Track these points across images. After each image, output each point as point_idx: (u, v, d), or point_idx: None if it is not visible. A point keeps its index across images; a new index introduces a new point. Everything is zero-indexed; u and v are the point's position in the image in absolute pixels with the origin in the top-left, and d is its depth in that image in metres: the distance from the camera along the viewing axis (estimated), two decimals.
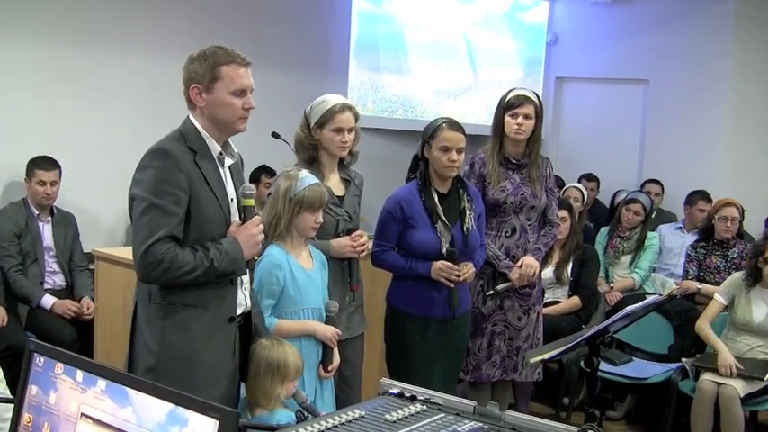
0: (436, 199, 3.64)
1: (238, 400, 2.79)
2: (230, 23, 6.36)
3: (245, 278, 2.76)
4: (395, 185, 3.79)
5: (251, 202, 2.68)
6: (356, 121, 3.61)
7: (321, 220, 3.22)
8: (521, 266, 4.04)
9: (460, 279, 3.60)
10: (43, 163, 4.96)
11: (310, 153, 3.57)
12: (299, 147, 3.61)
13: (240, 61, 2.63)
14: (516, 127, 4.02)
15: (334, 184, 3.61)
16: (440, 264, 3.60)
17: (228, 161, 2.72)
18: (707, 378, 4.52)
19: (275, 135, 4.90)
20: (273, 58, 6.71)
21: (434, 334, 3.67)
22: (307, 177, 3.19)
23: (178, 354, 2.57)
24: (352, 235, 3.53)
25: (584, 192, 6.33)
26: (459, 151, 3.60)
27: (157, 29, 6.01)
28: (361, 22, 7.46)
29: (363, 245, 3.54)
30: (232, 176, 2.73)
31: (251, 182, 6.05)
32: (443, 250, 3.57)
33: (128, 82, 5.85)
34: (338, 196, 3.60)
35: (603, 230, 6.24)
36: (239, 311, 2.73)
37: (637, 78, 7.88)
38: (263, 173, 6.17)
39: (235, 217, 2.70)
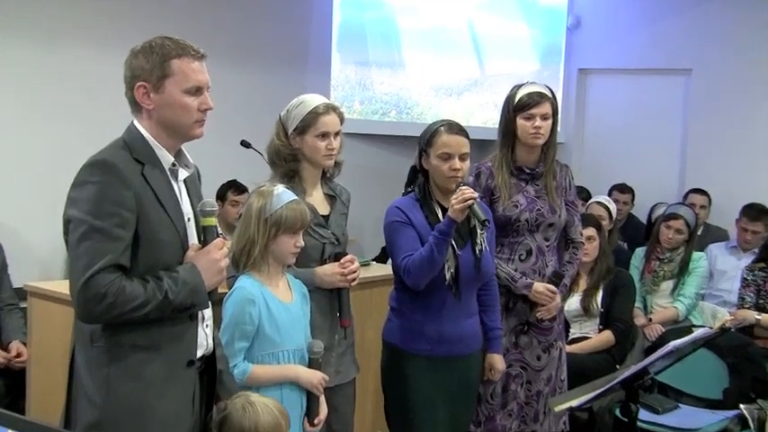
0: (440, 215, 3.66)
1: None
2: (185, 10, 6.38)
3: (208, 313, 2.76)
4: (387, 202, 3.81)
5: (212, 221, 2.69)
6: (341, 124, 3.64)
7: (302, 243, 3.25)
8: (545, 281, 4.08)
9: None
10: None
11: (290, 165, 3.60)
12: (275, 158, 3.63)
13: (194, 54, 2.65)
14: (534, 131, 4.03)
15: (318, 201, 3.64)
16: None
17: (183, 174, 2.73)
18: None
19: (245, 144, 4.91)
20: (239, 51, 6.75)
21: (441, 376, 3.68)
22: (283, 193, 3.22)
23: (127, 406, 2.56)
24: (341, 261, 3.55)
25: (611, 206, 6.33)
26: (463, 158, 3.62)
27: (97, 19, 6.01)
28: (344, 7, 7.52)
29: (354, 272, 3.56)
30: (188, 192, 2.74)
31: (217, 199, 6.15)
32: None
33: (63, 84, 5.85)
34: (323, 215, 3.62)
35: (639, 251, 6.27)
36: (200, 353, 2.73)
37: (676, 68, 7.95)
38: (230, 189, 6.20)
39: (193, 239, 2.71)
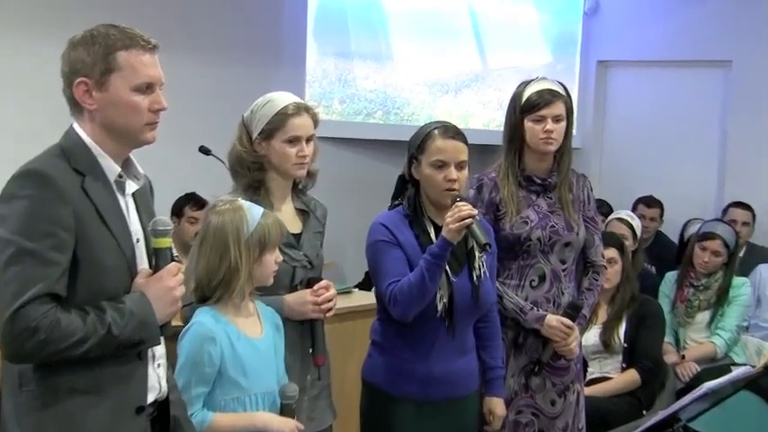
0: (432, 234, 3.66)
1: None
2: None
3: (159, 350, 2.76)
4: (373, 218, 3.81)
5: (166, 242, 2.70)
6: (315, 126, 3.65)
7: (281, 257, 3.29)
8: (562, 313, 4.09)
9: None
10: None
11: (254, 175, 3.61)
12: (237, 167, 3.64)
13: (144, 44, 2.65)
14: (545, 135, 4.04)
15: (288, 217, 3.65)
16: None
17: (132, 186, 2.74)
18: None
19: (204, 151, 4.92)
20: (198, 41, 6.76)
21: (432, 423, 3.68)
22: (252, 207, 3.23)
23: None
24: (314, 287, 3.55)
25: (634, 223, 6.35)
26: (460, 167, 3.62)
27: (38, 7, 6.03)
28: None
29: (330, 300, 3.57)
30: (137, 207, 2.75)
31: (173, 216, 6.15)
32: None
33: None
34: (293, 234, 3.63)
35: (670, 277, 6.29)
36: (151, 398, 2.73)
37: (714, 60, 8.00)
38: (187, 203, 6.20)
39: (142, 264, 2.72)
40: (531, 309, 4.04)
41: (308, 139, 3.61)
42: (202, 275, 3.17)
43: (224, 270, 3.15)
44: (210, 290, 3.18)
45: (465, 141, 3.67)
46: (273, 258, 3.23)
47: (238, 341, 3.17)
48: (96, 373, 2.58)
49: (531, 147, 4.08)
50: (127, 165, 2.74)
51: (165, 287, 2.65)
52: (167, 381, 2.84)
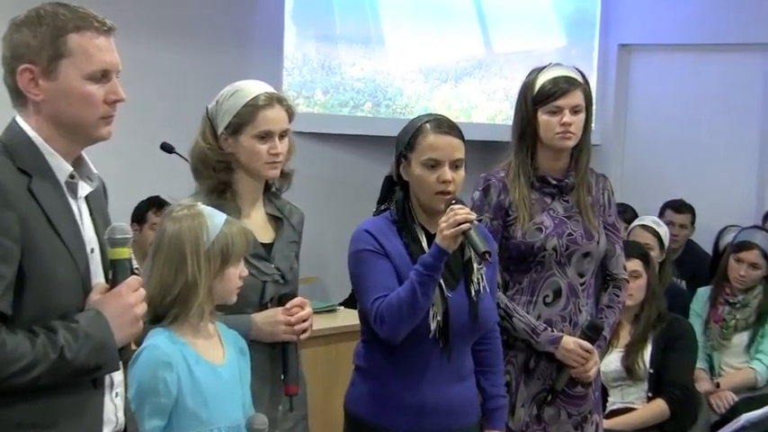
0: (424, 243, 3.66)
1: None
2: None
3: (118, 377, 2.77)
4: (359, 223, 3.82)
5: (125, 252, 2.70)
6: (290, 120, 3.67)
7: (246, 271, 3.26)
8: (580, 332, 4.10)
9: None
10: None
11: (219, 176, 3.62)
12: (199, 166, 3.66)
13: (98, 26, 2.66)
14: (562, 129, 4.05)
15: (259, 224, 3.67)
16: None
17: (85, 188, 2.75)
18: None
19: (167, 148, 4.92)
20: (161, 23, 6.76)
21: None
22: (213, 213, 3.20)
23: None
24: (287, 305, 3.56)
25: (661, 231, 6.35)
26: (455, 165, 3.62)
27: None
28: None
29: (305, 319, 3.58)
30: (91, 213, 2.76)
31: (134, 222, 6.16)
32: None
33: None
34: (264, 244, 3.65)
35: (702, 292, 6.29)
36: (108, 431, 2.73)
37: (753, 43, 8.01)
38: (150, 208, 6.20)
39: (98, 277, 2.72)
40: (545, 329, 4.05)
41: (282, 135, 3.62)
42: (155, 292, 3.09)
43: (180, 285, 3.10)
44: (164, 309, 3.12)
45: (461, 137, 3.66)
46: (238, 272, 3.20)
47: (197, 366, 3.12)
48: (46, 404, 2.57)
49: (546, 143, 4.09)
50: (79, 164, 2.75)
51: (125, 304, 2.65)
52: (125, 412, 2.84)
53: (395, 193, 3.75)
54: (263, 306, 3.59)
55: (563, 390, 4.12)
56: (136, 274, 2.73)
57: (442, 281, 3.57)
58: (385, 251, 3.63)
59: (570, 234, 4.10)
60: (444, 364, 3.65)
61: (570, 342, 4.04)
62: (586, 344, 4.05)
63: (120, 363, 2.72)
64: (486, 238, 3.61)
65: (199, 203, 3.27)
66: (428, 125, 3.65)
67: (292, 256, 3.73)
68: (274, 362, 3.59)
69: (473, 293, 3.66)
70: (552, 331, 4.06)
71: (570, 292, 4.12)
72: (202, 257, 3.11)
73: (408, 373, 3.64)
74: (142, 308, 2.70)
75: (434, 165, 3.60)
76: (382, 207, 3.79)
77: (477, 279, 3.67)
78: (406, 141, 3.66)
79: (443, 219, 3.47)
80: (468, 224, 3.43)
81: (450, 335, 3.62)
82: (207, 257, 3.11)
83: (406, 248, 3.65)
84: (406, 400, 3.65)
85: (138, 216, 6.21)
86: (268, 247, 3.65)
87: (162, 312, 3.13)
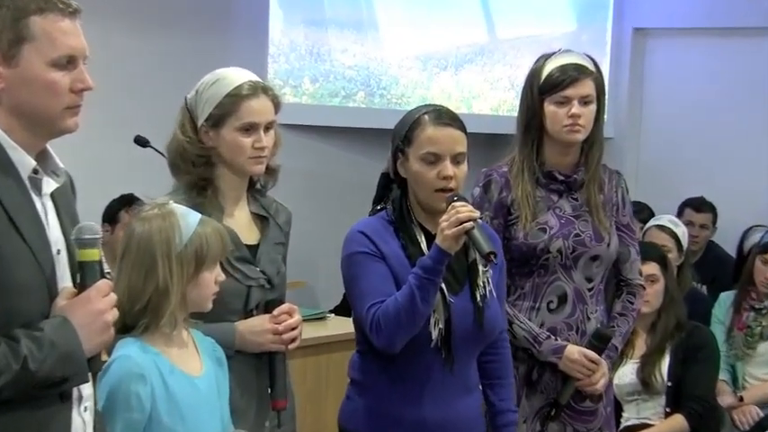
0: (424, 245, 3.65)
1: None
2: None
3: (87, 390, 2.76)
4: (351, 225, 3.81)
5: (94, 254, 2.68)
6: (276, 111, 3.66)
7: (223, 276, 3.25)
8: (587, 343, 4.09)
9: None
10: None
11: (199, 172, 3.61)
12: (178, 162, 3.65)
13: (63, 8, 2.64)
14: (570, 121, 4.05)
15: (243, 224, 3.67)
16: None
17: (50, 185, 2.73)
18: None
19: (141, 142, 4.92)
20: (135, 4, 6.75)
21: None
22: (186, 213, 3.19)
23: None
24: (274, 312, 3.56)
25: (679, 231, 6.33)
26: (457, 160, 3.60)
27: None
28: None
29: (294, 327, 3.57)
30: (57, 211, 2.74)
31: (105, 222, 6.15)
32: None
33: None
34: (249, 245, 3.64)
35: (725, 298, 6.31)
36: None
37: None
38: (123, 207, 6.18)
39: (65, 281, 2.70)
40: (548, 337, 4.06)
41: (268, 127, 3.62)
42: (123, 299, 3.03)
43: (150, 292, 3.09)
44: (133, 317, 3.11)
45: (463, 129, 3.65)
46: (213, 277, 3.19)
47: (174, 379, 3.12)
48: (8, 419, 2.56)
49: (553, 136, 4.10)
50: (43, 158, 2.73)
51: (94, 311, 2.63)
52: (95, 427, 2.83)
53: (392, 191, 3.75)
54: (247, 313, 3.58)
55: (569, 404, 4.14)
56: (106, 277, 2.72)
57: (443, 285, 3.56)
58: (381, 253, 3.61)
59: (578, 235, 4.10)
60: (447, 377, 3.63)
61: (575, 352, 4.04)
62: (592, 354, 4.05)
63: (90, 374, 2.69)
64: (490, 238, 3.59)
65: (171, 202, 3.26)
66: (427, 117, 3.63)
67: (279, 259, 3.73)
68: (260, 374, 3.59)
69: (478, 298, 3.64)
70: (556, 340, 4.06)
71: (577, 299, 4.12)
72: (174, 261, 3.10)
73: (408, 386, 3.63)
74: (113, 314, 2.68)
75: (434, 160, 3.57)
76: (378, 206, 3.78)
77: (483, 282, 3.66)
78: (403, 135, 3.64)
79: (444, 218, 3.44)
80: (472, 223, 3.41)
81: (453, 344, 3.60)
82: (179, 261, 3.11)
83: (403, 250, 3.64)
84: (406, 415, 3.64)
85: (110, 215, 6.17)
86: (253, 248, 3.64)
87: (131, 321, 3.11)
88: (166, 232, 3.11)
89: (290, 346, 3.60)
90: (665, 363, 5.39)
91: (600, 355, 4.06)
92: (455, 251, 3.46)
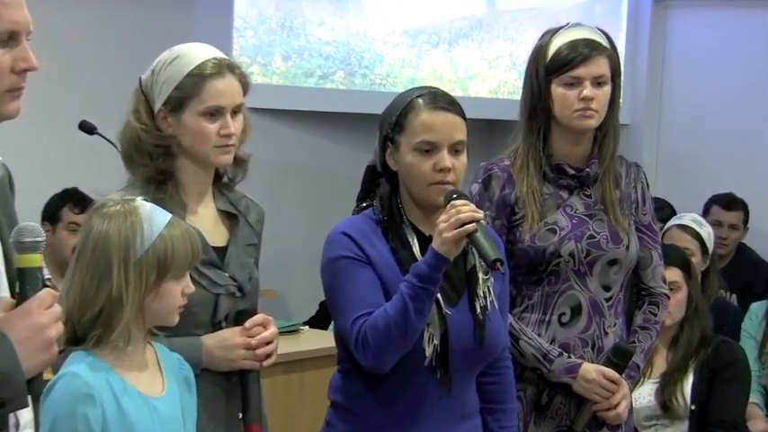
0: (416, 249, 3.67)
1: None
2: None
3: (26, 415, 2.78)
4: (330, 226, 3.81)
5: (35, 259, 2.70)
6: (245, 93, 3.67)
7: (192, 288, 3.22)
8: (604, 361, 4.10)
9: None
10: None
11: (157, 164, 3.62)
12: (132, 152, 3.65)
13: None
14: (582, 105, 4.06)
15: (209, 223, 3.68)
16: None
17: None
18: None
19: (87, 128, 4.93)
20: None
21: None
22: (154, 211, 3.17)
23: None
24: (246, 324, 3.57)
25: (703, 233, 6.33)
26: (455, 150, 3.60)
27: None
28: None
29: (269, 342, 3.59)
30: None
31: (45, 221, 6.18)
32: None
33: None
34: (216, 248, 3.66)
35: (757, 309, 6.34)
36: None
37: None
38: (65, 204, 6.19)
39: (2, 291, 2.73)
40: (560, 355, 4.07)
41: (235, 111, 3.63)
42: (73, 306, 3.05)
43: (102, 300, 3.06)
44: (84, 327, 3.08)
45: (462, 114, 3.64)
46: (180, 289, 3.16)
47: (129, 400, 3.10)
48: None
49: (562, 122, 4.12)
50: None
51: (35, 325, 2.63)
52: None
53: (379, 186, 3.74)
54: (215, 326, 3.59)
55: (584, 431, 4.14)
56: (48, 286, 2.71)
57: (439, 295, 3.55)
58: (368, 258, 3.60)
59: (592, 237, 4.11)
60: (443, 400, 3.63)
61: (591, 371, 4.05)
62: (612, 373, 4.05)
63: (30, 398, 2.70)
64: (495, 242, 3.57)
65: (139, 198, 3.23)
66: (421, 100, 3.62)
67: (251, 263, 3.74)
68: (231, 396, 3.60)
69: (479, 310, 3.64)
70: (569, 357, 4.07)
71: (593, 310, 4.13)
72: (132, 267, 3.06)
73: (398, 410, 3.63)
74: (57, 329, 2.67)
75: (429, 149, 3.57)
76: (364, 204, 3.78)
77: (484, 292, 3.66)
78: (394, 121, 3.63)
79: (443, 218, 3.42)
80: (475, 225, 3.39)
81: (449, 362, 3.60)
82: (138, 268, 3.07)
83: (393, 255, 3.63)
84: (398, 427, 3.64)
85: (50, 213, 6.19)
86: (221, 251, 3.66)
87: (82, 332, 3.09)
88: (126, 233, 3.07)
89: (265, 363, 3.60)
90: (688, 383, 5.38)
91: (620, 374, 4.07)
92: (454, 256, 3.46)
